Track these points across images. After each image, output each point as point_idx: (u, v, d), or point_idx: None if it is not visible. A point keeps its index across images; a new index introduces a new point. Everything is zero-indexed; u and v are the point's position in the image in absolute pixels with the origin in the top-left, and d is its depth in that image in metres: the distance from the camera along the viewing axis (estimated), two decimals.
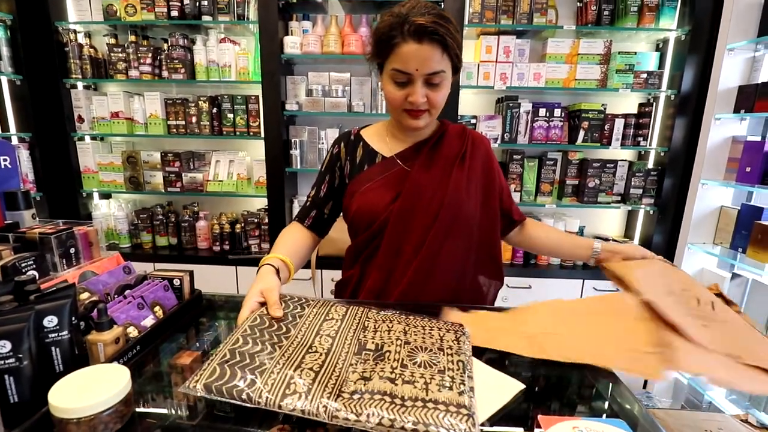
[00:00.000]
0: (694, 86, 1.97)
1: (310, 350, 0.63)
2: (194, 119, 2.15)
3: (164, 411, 0.61)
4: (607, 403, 0.66)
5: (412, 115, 0.89)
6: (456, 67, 0.88)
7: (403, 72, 0.84)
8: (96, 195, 2.38)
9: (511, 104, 2.05)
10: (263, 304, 0.74)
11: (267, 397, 0.53)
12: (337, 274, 1.10)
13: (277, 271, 0.83)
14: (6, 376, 0.53)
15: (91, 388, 0.52)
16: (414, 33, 0.81)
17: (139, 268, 0.91)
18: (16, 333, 0.53)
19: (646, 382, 2.24)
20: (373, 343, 0.67)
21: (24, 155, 2.11)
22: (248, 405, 0.53)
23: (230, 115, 2.14)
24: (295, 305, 0.75)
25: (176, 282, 0.86)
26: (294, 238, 1.00)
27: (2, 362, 0.53)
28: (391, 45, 0.84)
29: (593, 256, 0.99)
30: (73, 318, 0.61)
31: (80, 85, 2.23)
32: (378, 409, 0.52)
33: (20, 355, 0.54)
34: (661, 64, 2.10)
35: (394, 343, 0.67)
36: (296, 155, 2.14)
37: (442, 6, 1.94)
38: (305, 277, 2.16)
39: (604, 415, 0.64)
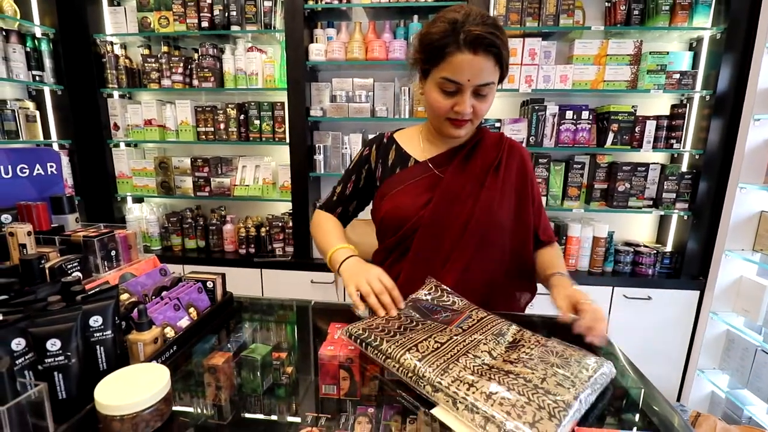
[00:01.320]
0: (730, 86, 1.89)
1: (441, 332, 0.73)
2: (222, 126, 2.22)
3: (199, 410, 0.63)
4: (645, 416, 0.64)
5: (455, 124, 0.88)
6: (502, 77, 0.86)
7: (454, 81, 0.82)
8: (129, 199, 2.48)
9: (536, 107, 2.02)
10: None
11: (392, 351, 0.66)
12: None
13: None
14: (55, 373, 0.56)
15: (134, 387, 0.55)
16: (470, 43, 0.78)
17: (170, 270, 0.94)
18: (66, 332, 0.56)
19: (680, 394, 2.15)
20: (511, 336, 0.74)
21: (64, 161, 2.22)
22: (377, 356, 0.68)
23: (257, 122, 2.19)
24: (447, 296, 0.85)
25: (209, 284, 0.89)
26: (341, 229, 1.06)
27: (52, 360, 0.55)
28: (443, 53, 0.81)
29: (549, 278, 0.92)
30: (116, 318, 0.64)
31: (116, 94, 2.33)
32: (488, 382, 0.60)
33: (69, 353, 0.56)
34: (694, 63, 2.02)
35: (530, 341, 0.73)
36: (320, 160, 2.17)
37: None
38: (329, 281, 2.18)
39: (635, 429, 0.62)
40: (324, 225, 1.05)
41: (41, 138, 2.16)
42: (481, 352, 0.68)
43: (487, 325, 0.77)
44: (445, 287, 0.87)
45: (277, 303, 1.05)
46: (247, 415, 0.62)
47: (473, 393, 0.57)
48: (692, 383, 2.06)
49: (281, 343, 0.86)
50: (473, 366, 0.64)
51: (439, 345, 0.68)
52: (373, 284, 0.82)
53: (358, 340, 0.70)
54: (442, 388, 0.59)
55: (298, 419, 0.61)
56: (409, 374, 0.63)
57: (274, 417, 0.62)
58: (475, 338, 0.72)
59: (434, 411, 0.59)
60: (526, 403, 0.56)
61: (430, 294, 0.85)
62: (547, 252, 1.00)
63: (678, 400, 2.15)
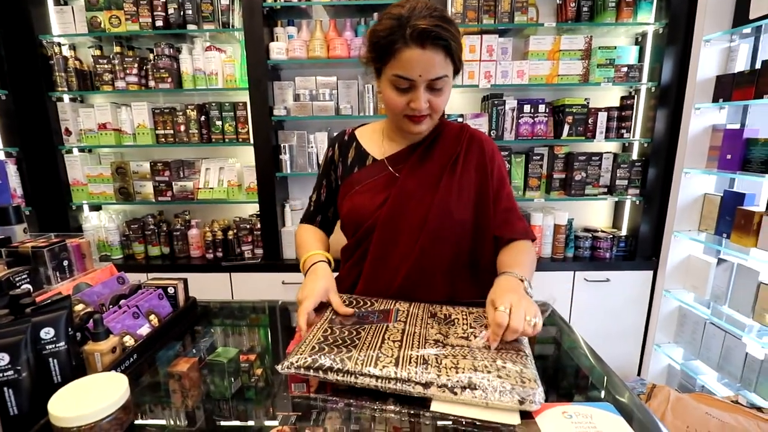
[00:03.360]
0: (673, 78, 2.02)
1: (387, 330, 0.73)
2: (183, 128, 2.15)
3: (163, 418, 0.62)
4: (596, 389, 0.69)
5: (414, 120, 0.87)
6: (457, 69, 0.86)
7: (406, 78, 0.81)
8: (86, 207, 2.37)
9: (496, 102, 2.08)
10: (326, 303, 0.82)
11: (361, 367, 0.62)
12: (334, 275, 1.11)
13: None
14: (5, 389, 0.54)
15: (91, 397, 0.53)
16: (417, 38, 0.77)
17: (133, 278, 0.92)
18: (14, 345, 0.54)
19: (640, 368, 2.28)
20: (442, 314, 0.79)
21: (11, 170, 2.09)
22: (345, 378, 0.61)
23: (219, 123, 2.15)
24: (364, 301, 0.86)
25: (170, 290, 0.87)
26: (319, 237, 1.04)
27: (1, 375, 0.53)
28: (392, 50, 0.80)
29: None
30: (70, 329, 0.62)
31: (66, 97, 2.22)
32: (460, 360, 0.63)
33: (19, 368, 0.54)
34: (640, 57, 2.14)
35: (460, 315, 0.79)
36: (286, 160, 2.15)
37: None
38: (300, 281, 2.16)
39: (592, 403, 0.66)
40: (300, 237, 1.03)
41: None
42: (436, 335, 0.71)
43: (416, 312, 0.80)
44: (354, 296, 0.88)
45: (242, 305, 1.04)
46: (216, 420, 0.62)
47: (462, 373, 0.60)
48: (650, 357, 2.19)
49: (249, 346, 0.86)
50: (442, 352, 0.65)
51: (400, 343, 0.68)
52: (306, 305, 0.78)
53: (312, 370, 0.62)
54: (435, 380, 0.59)
55: (269, 421, 0.61)
56: (392, 383, 0.60)
57: (244, 420, 0.62)
58: (420, 326, 0.74)
59: (434, 407, 0.59)
60: (502, 364, 0.61)
61: (356, 305, 0.85)
62: (507, 250, 0.93)
63: (639, 374, 2.28)
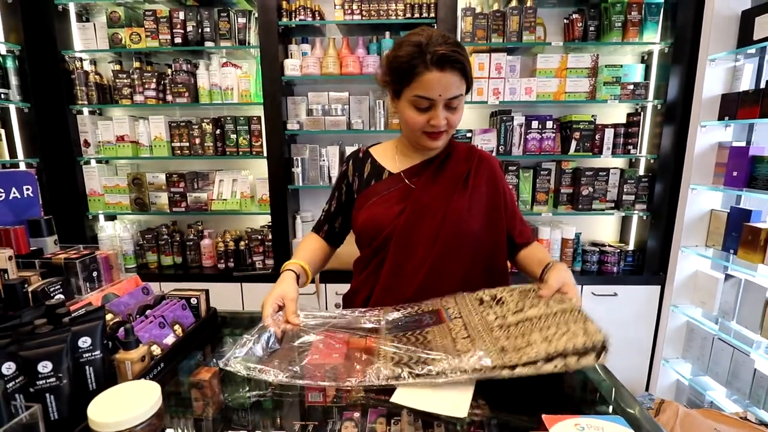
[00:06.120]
0: (679, 96, 2.05)
1: (451, 330, 0.78)
2: (198, 141, 2.21)
3: (185, 426, 0.65)
4: (606, 403, 0.71)
5: (432, 137, 0.94)
6: (468, 87, 0.94)
7: (427, 98, 0.88)
8: (101, 217, 2.42)
9: (504, 117, 2.12)
10: (281, 307, 0.86)
11: (458, 364, 0.68)
12: (341, 288, 1.15)
13: (297, 276, 0.95)
14: (47, 395, 0.57)
15: (127, 404, 0.57)
16: (437, 62, 0.85)
17: (152, 288, 0.96)
18: (56, 354, 0.58)
19: (648, 383, 2.27)
20: (487, 297, 0.84)
21: None
22: (448, 377, 0.68)
23: (233, 136, 2.20)
24: (410, 306, 0.91)
25: (193, 301, 0.91)
26: (312, 246, 1.10)
27: (44, 382, 0.57)
28: (413, 73, 0.88)
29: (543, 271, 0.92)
30: (104, 338, 0.66)
31: (86, 110, 2.29)
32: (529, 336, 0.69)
33: (60, 375, 0.58)
34: (646, 75, 2.18)
35: (505, 293, 0.84)
36: (298, 173, 2.20)
37: (434, 27, 2.02)
38: (310, 291, 2.20)
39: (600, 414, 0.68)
40: (298, 246, 1.11)
41: (7, 157, 2.10)
42: (497, 319, 0.76)
43: (464, 304, 0.86)
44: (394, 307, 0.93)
45: (259, 316, 1.07)
46: (235, 429, 0.64)
47: (537, 345, 0.66)
48: (659, 372, 2.19)
49: None
50: (512, 333, 0.71)
51: (467, 334, 0.75)
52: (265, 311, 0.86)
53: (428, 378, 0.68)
54: (518, 361, 0.65)
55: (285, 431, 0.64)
56: (483, 372, 0.67)
57: (261, 429, 0.65)
58: (477, 316, 0.79)
59: (395, 399, 0.65)
60: (566, 327, 0.68)
61: (397, 312, 0.90)
62: (533, 251, 1.03)
63: (647, 389, 2.27)
